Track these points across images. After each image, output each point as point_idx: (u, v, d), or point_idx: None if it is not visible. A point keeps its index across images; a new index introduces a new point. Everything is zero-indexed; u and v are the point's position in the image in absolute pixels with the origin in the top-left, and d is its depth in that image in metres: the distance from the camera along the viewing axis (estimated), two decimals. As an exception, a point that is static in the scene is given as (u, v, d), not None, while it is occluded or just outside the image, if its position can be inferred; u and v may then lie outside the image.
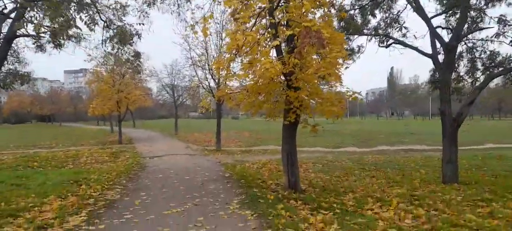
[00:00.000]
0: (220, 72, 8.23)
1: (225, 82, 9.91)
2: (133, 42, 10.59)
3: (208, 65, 22.24)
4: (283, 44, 7.84)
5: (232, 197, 7.75)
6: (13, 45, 11.49)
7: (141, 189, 8.94)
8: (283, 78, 7.57)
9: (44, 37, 10.19)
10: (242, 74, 7.75)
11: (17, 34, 9.26)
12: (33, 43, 11.83)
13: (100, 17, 10.45)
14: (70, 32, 11.46)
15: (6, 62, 11.34)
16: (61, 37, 11.88)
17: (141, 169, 13.25)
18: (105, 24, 10.72)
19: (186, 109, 73.29)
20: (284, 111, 8.49)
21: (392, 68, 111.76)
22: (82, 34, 10.90)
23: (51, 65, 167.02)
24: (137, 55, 11.14)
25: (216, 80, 22.58)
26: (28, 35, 9.65)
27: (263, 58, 6.44)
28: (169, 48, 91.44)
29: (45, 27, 10.31)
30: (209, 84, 23.20)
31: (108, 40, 10.94)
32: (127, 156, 18.44)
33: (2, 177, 12.09)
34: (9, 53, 11.30)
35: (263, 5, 6.72)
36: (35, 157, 18.74)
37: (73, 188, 9.10)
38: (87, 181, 10.69)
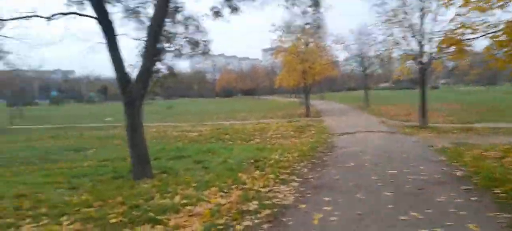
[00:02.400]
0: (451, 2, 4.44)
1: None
2: None
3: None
4: None
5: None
6: (192, 14, 10.93)
7: (325, 187, 6.20)
8: None
9: None
10: None
11: None
12: (211, 9, 10.99)
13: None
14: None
15: (186, 31, 10.86)
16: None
17: (327, 150, 10.72)
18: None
19: (377, 80, 66.42)
20: None
21: None
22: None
23: (252, 46, 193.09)
24: (316, 3, 8.48)
25: (420, 40, 17.57)
26: None
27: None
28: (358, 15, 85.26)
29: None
30: (408, 44, 18.31)
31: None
32: (313, 131, 16.42)
33: (191, 151, 12.01)
34: (188, 22, 10.74)
35: None
36: (228, 129, 19.28)
37: (245, 174, 7.31)
38: (266, 161, 8.96)
